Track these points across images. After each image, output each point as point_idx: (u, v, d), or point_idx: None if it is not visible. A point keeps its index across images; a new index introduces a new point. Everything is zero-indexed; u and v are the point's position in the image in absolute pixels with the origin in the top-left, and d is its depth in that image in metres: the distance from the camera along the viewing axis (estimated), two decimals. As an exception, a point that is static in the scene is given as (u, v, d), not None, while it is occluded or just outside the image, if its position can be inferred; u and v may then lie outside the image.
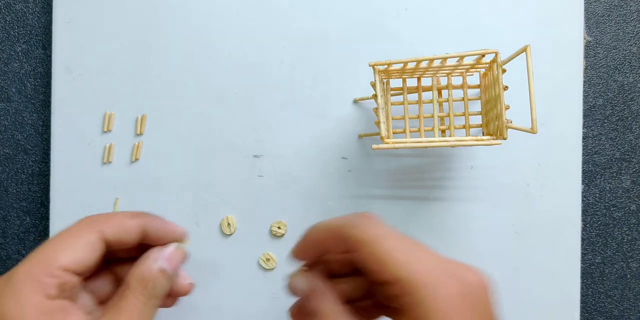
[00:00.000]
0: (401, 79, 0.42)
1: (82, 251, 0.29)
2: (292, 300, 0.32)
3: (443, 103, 0.43)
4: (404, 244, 0.27)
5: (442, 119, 0.43)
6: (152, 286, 0.30)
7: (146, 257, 0.31)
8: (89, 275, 0.32)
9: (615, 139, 0.48)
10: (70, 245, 0.29)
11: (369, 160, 0.46)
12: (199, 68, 0.45)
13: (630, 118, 0.48)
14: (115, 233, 0.30)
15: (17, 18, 0.47)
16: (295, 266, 0.33)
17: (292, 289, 0.31)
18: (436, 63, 0.38)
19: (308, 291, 0.30)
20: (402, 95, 0.43)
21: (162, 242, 0.32)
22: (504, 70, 0.38)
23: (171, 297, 0.34)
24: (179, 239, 0.33)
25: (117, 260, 0.34)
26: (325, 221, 0.30)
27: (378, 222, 0.28)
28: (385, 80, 0.42)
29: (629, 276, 0.48)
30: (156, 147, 0.45)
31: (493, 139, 0.37)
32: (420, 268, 0.26)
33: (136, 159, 0.45)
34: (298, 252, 0.32)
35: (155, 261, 0.31)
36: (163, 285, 0.30)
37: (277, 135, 0.45)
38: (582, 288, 0.47)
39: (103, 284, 0.33)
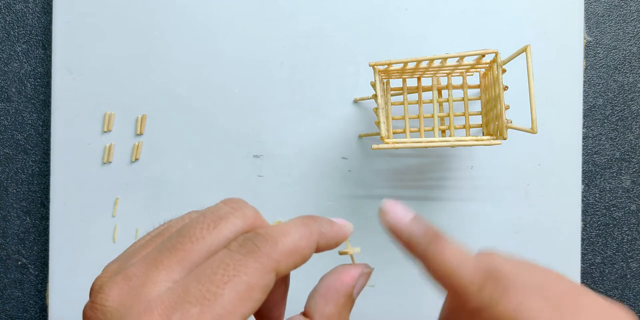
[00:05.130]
0: (401, 79, 0.42)
1: (258, 302, 0.22)
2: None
3: (443, 103, 0.43)
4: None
5: (442, 119, 0.43)
6: None
7: (327, 288, 0.24)
8: None
9: (615, 139, 0.48)
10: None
11: (369, 160, 0.46)
12: (199, 68, 0.45)
13: (630, 118, 0.48)
14: (291, 264, 0.24)
15: (17, 18, 0.47)
16: None
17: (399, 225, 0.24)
18: (436, 63, 0.38)
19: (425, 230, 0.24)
20: (402, 95, 0.43)
21: (329, 247, 0.25)
22: (504, 70, 0.38)
23: None
24: (347, 237, 0.26)
25: None
26: (449, 260, 0.23)
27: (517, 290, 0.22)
28: (385, 80, 0.42)
29: (629, 276, 0.48)
30: (156, 147, 0.45)
31: (493, 139, 0.37)
32: None
33: (136, 159, 0.45)
34: (398, 230, 0.24)
35: (339, 294, 0.24)
36: None
37: (277, 135, 0.45)
38: (582, 288, 0.47)
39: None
